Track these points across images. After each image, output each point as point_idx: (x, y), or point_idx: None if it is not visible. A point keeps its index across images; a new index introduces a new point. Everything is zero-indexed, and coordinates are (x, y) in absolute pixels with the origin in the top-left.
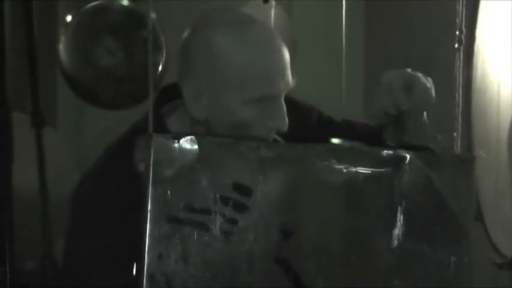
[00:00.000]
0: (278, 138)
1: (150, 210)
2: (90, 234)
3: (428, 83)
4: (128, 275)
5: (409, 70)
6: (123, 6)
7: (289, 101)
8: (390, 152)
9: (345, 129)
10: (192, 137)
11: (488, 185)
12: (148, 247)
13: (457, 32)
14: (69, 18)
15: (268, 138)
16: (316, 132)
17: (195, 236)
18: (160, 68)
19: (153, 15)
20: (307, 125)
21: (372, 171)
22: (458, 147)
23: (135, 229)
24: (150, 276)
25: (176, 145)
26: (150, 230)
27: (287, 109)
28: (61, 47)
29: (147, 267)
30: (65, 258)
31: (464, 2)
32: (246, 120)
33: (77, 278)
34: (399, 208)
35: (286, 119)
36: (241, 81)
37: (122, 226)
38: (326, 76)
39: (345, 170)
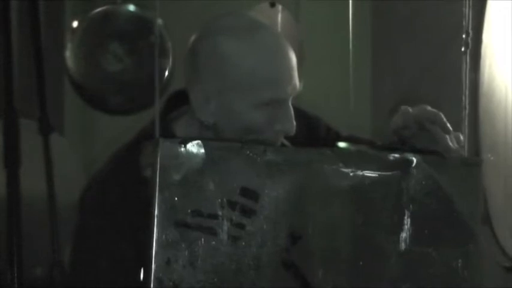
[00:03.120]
0: (286, 142)
1: (157, 216)
2: (97, 239)
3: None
4: (135, 280)
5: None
6: (130, 11)
7: (298, 111)
8: (397, 155)
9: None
10: (199, 141)
11: (497, 189)
12: (155, 252)
13: (464, 35)
14: (75, 24)
15: (277, 141)
16: (322, 145)
17: (203, 241)
18: (166, 73)
19: (159, 21)
20: (315, 137)
21: (379, 175)
22: (465, 151)
23: (142, 235)
24: (158, 282)
25: (183, 150)
26: (158, 235)
27: (296, 120)
28: (68, 53)
29: (155, 273)
30: (72, 264)
31: (470, 4)
32: (254, 124)
33: (85, 284)
34: (407, 212)
35: (294, 122)
36: (249, 85)
37: (128, 232)
38: (333, 80)
39: (352, 174)
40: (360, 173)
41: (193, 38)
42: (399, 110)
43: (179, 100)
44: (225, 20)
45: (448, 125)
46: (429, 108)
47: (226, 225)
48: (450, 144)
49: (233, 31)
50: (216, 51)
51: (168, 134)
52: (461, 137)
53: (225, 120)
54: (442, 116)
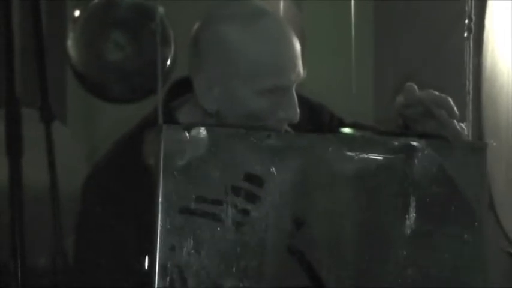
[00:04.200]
0: (290, 130)
1: (161, 202)
2: (100, 227)
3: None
4: (138, 268)
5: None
6: (131, 0)
7: (301, 99)
8: (402, 140)
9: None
10: (203, 127)
11: (499, 174)
12: (160, 239)
13: (466, 20)
14: (77, 13)
15: (280, 129)
16: (326, 132)
17: (207, 227)
18: (168, 62)
19: (160, 8)
20: (318, 124)
21: (383, 160)
22: (469, 136)
23: (145, 222)
24: (163, 268)
25: (187, 136)
26: (162, 221)
27: (299, 107)
28: (69, 42)
29: (160, 259)
30: (75, 254)
31: None
32: (257, 112)
33: (88, 273)
34: (412, 196)
35: (298, 110)
36: (252, 72)
37: (131, 219)
38: (336, 68)
39: (356, 159)
40: (364, 158)
41: (196, 25)
42: (404, 88)
43: (181, 88)
44: (228, 7)
45: (456, 109)
46: (436, 93)
47: (230, 211)
48: (458, 128)
49: (236, 18)
50: (219, 39)
51: (170, 122)
52: (464, 126)
53: (228, 108)
54: (450, 100)
